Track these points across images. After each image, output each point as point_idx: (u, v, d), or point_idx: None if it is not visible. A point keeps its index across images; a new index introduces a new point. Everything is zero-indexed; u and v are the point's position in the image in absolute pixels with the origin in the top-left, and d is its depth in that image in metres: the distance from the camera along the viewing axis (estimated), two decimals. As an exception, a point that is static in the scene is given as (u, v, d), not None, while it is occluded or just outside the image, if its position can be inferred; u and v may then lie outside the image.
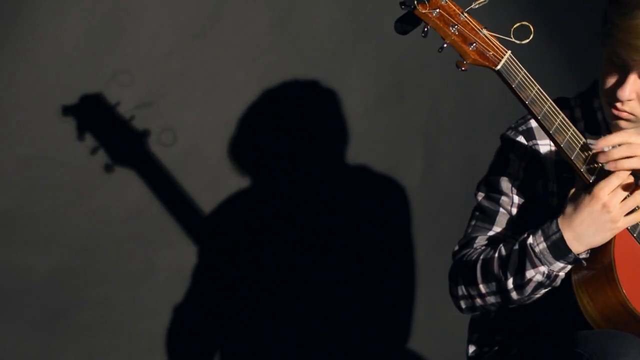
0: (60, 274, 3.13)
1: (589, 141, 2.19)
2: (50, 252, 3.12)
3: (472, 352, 2.46)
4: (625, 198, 2.14)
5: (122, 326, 3.24)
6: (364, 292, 3.57)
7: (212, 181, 3.30)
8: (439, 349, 3.62)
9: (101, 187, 3.15)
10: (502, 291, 2.22)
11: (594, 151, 2.15)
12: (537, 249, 2.17)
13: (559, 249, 2.16)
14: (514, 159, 2.34)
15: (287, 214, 3.44)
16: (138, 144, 3.17)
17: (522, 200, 2.32)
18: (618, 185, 2.13)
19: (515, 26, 2.07)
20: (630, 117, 2.24)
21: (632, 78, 2.18)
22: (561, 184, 2.31)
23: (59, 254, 3.13)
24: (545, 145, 2.34)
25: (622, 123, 2.25)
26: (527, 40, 2.06)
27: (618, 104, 2.22)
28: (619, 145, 2.13)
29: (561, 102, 2.29)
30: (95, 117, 3.11)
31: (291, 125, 3.42)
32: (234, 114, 3.31)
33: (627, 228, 2.19)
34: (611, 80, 2.22)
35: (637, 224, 2.21)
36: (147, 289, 3.26)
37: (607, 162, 2.12)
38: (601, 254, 2.17)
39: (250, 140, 3.36)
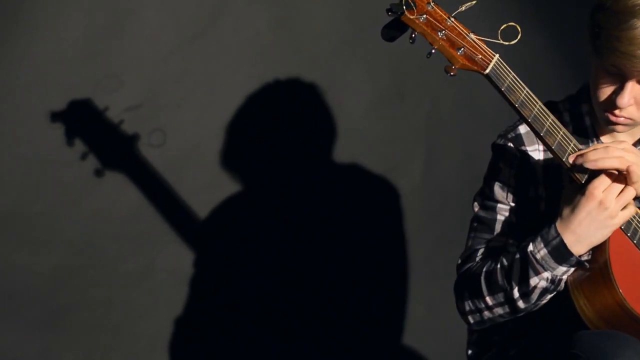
0: (60, 274, 3.13)
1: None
2: (50, 252, 3.12)
3: (471, 353, 2.46)
4: (619, 193, 2.13)
5: (122, 326, 3.24)
6: (363, 292, 3.57)
7: (212, 181, 3.30)
8: (438, 350, 3.62)
9: (101, 187, 3.15)
10: (509, 301, 2.22)
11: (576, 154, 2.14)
12: (538, 256, 2.17)
13: (561, 253, 2.16)
14: (505, 167, 2.34)
15: (287, 214, 3.44)
16: (138, 144, 3.17)
17: (517, 206, 2.32)
18: (611, 182, 2.13)
19: (502, 27, 2.05)
20: (628, 121, 2.24)
21: (630, 84, 2.18)
22: (550, 189, 2.32)
23: (59, 254, 3.13)
24: (534, 151, 2.34)
25: (619, 127, 2.26)
26: (515, 41, 2.04)
27: (616, 111, 2.21)
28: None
29: (550, 106, 2.29)
30: (91, 118, 3.11)
31: (291, 126, 3.42)
32: (234, 114, 3.31)
33: (621, 229, 2.19)
34: (607, 89, 2.21)
35: (633, 226, 2.21)
36: (147, 289, 3.26)
37: (585, 162, 2.12)
38: (596, 254, 2.17)
39: (250, 140, 3.36)
